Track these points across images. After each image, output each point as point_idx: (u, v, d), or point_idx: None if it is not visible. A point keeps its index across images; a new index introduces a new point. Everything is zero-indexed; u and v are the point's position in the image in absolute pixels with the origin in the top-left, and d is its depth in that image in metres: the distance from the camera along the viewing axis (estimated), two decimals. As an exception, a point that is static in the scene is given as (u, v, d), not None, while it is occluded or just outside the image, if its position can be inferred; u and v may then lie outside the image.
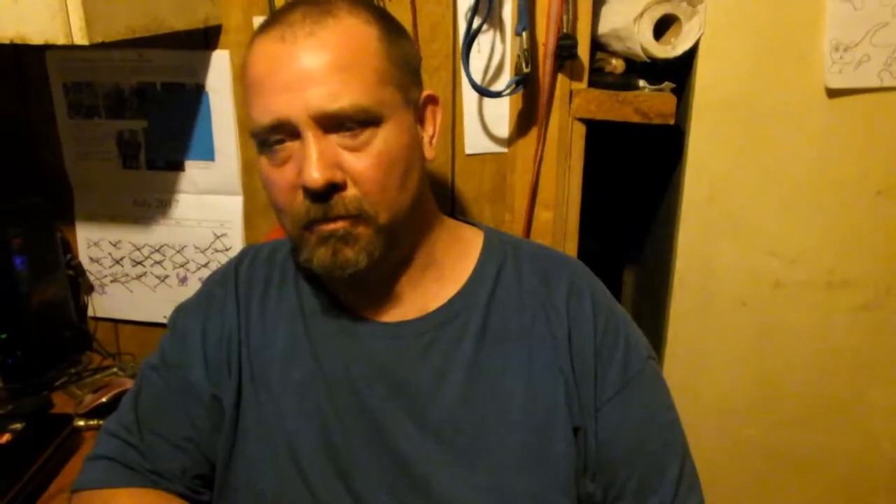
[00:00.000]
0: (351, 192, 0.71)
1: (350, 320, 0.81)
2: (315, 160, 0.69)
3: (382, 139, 0.71)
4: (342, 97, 0.69)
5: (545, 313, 0.81)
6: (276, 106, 0.69)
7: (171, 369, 0.85)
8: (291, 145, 0.71)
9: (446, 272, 0.83)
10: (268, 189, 0.75)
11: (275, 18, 0.72)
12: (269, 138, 0.72)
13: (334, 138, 0.70)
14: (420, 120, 0.79)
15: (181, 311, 0.89)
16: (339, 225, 0.72)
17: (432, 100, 0.80)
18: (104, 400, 1.16)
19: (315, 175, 0.69)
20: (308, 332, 0.82)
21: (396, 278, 0.80)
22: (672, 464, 0.80)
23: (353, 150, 0.71)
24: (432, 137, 0.80)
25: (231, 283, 0.86)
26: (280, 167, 0.72)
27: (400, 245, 0.77)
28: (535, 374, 0.78)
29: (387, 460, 0.77)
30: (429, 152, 0.79)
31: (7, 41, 0.87)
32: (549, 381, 0.78)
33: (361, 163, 0.71)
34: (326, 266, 0.74)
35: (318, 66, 0.69)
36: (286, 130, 0.70)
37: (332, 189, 0.70)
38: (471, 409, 0.77)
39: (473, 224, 0.89)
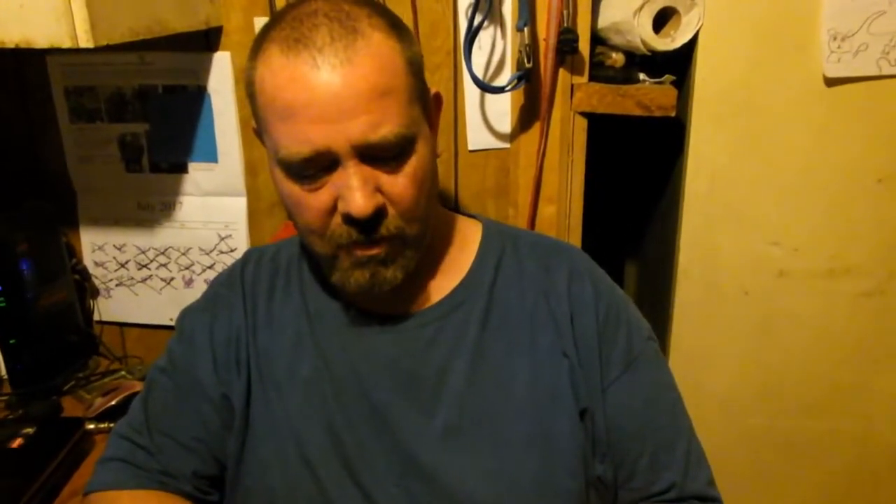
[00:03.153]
0: (391, 213, 0.71)
1: (354, 316, 0.82)
2: (359, 188, 0.68)
3: (416, 157, 0.71)
4: (383, 126, 0.68)
5: (546, 299, 0.81)
6: (314, 136, 0.67)
7: (179, 371, 0.85)
8: (325, 177, 0.70)
9: (447, 263, 0.84)
10: (297, 211, 0.73)
11: (294, 38, 0.68)
12: (305, 170, 0.70)
13: (372, 163, 0.70)
14: (430, 116, 0.78)
15: (188, 313, 0.89)
16: (379, 250, 0.73)
17: (438, 99, 0.80)
18: (114, 403, 1.16)
19: (361, 203, 0.68)
20: (313, 330, 0.83)
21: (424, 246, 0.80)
22: (680, 439, 0.82)
23: (389, 171, 0.70)
24: (435, 133, 0.80)
25: (237, 284, 0.87)
26: (314, 192, 0.71)
27: (424, 242, 0.78)
28: (538, 359, 0.79)
29: (394, 452, 0.78)
30: (438, 148, 0.80)
31: (12, 45, 0.87)
32: (552, 365, 0.79)
33: (399, 184, 0.71)
34: (364, 287, 0.74)
35: (359, 94, 0.66)
36: (324, 160, 0.69)
37: (377, 215, 0.70)
38: (476, 396, 0.78)
39: (471, 216, 0.90)
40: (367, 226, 0.71)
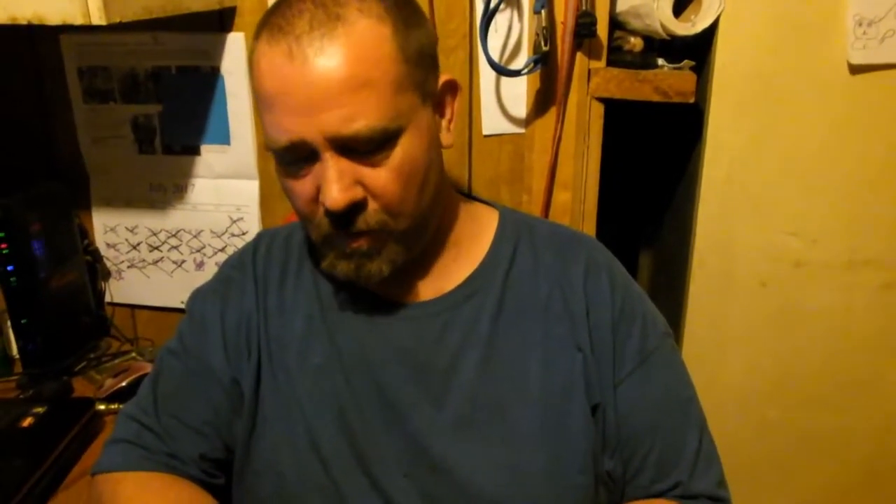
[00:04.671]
0: (372, 207, 0.70)
1: (367, 303, 0.81)
2: (335, 181, 0.67)
3: (401, 150, 0.69)
4: (358, 119, 0.66)
5: (562, 290, 0.80)
6: (290, 127, 0.67)
7: (190, 354, 0.85)
8: (309, 166, 0.70)
9: (462, 252, 0.82)
10: (289, 197, 0.74)
11: (278, 25, 0.67)
12: (287, 159, 0.70)
13: (352, 155, 0.69)
14: (438, 106, 0.76)
15: (199, 296, 0.88)
16: (361, 242, 0.72)
17: (451, 86, 0.77)
18: (124, 384, 1.16)
19: (336, 196, 0.67)
20: (325, 315, 0.82)
21: (413, 261, 0.80)
22: (691, 437, 0.81)
23: (371, 164, 0.69)
24: (450, 122, 0.78)
25: (249, 267, 0.86)
26: (299, 179, 0.71)
27: (420, 239, 0.77)
28: (551, 351, 0.78)
29: (404, 442, 0.77)
30: (446, 138, 0.77)
31: (25, 22, 0.86)
32: (565, 358, 0.78)
33: (381, 177, 0.69)
34: (350, 277, 0.75)
35: (330, 87, 0.65)
36: (302, 150, 0.68)
37: (354, 209, 0.69)
38: (488, 387, 0.77)
39: (488, 203, 0.88)
40: (343, 219, 0.70)
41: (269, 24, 0.68)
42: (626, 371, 0.79)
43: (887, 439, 1.26)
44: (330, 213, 0.70)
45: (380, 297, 0.81)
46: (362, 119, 0.66)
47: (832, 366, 1.23)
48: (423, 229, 0.76)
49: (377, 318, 0.81)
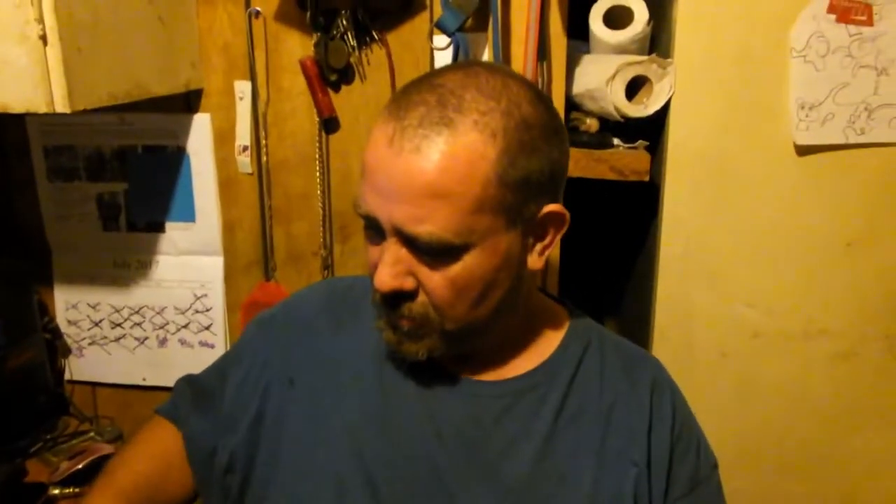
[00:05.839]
0: (420, 300, 0.72)
1: (427, 369, 0.80)
2: (388, 265, 0.70)
3: (462, 265, 0.69)
4: (424, 223, 0.67)
5: (626, 404, 0.81)
6: (369, 201, 0.70)
7: (212, 374, 0.90)
8: (381, 238, 0.71)
9: (529, 345, 0.83)
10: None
11: (397, 107, 0.68)
12: (365, 222, 0.73)
13: (414, 249, 0.70)
14: (537, 230, 0.74)
15: (256, 321, 0.92)
16: (404, 322, 0.73)
17: (556, 217, 0.74)
18: (80, 467, 1.14)
19: (383, 279, 0.70)
20: (381, 375, 0.81)
21: (477, 345, 0.81)
22: None
23: (429, 265, 0.70)
24: (546, 248, 0.76)
25: (293, 316, 0.88)
26: (372, 245, 0.74)
27: (471, 341, 0.78)
28: (606, 460, 0.78)
29: None
30: (534, 262, 0.75)
31: (-11, 110, 0.87)
32: (619, 471, 0.78)
33: (434, 280, 0.70)
34: (392, 347, 0.76)
35: (410, 185, 0.66)
36: (375, 224, 0.71)
37: (402, 295, 0.71)
38: (538, 482, 0.77)
39: (560, 302, 0.89)
40: (389, 300, 0.72)
41: (395, 101, 0.70)
42: (677, 495, 0.79)
43: (851, 507, 1.26)
44: (377, 292, 0.72)
45: (441, 366, 0.80)
46: (428, 225, 0.67)
47: (793, 434, 1.24)
48: (475, 334, 0.76)
49: (436, 387, 0.80)
